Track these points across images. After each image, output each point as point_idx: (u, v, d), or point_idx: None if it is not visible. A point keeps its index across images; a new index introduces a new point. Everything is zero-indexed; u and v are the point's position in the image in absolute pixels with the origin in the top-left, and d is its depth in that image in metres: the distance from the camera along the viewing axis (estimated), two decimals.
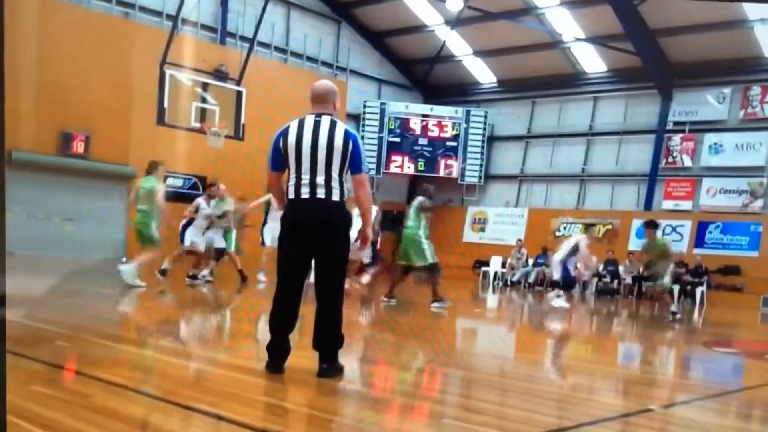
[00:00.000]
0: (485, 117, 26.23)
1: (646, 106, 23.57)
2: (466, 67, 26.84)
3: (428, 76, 27.20)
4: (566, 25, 23.01)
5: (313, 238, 5.03)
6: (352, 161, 5.04)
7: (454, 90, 27.45)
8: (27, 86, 17.12)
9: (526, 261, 22.79)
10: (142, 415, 3.86)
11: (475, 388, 5.64)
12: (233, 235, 13.63)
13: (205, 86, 16.73)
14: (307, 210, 5.00)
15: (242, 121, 16.81)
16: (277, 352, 5.06)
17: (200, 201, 12.90)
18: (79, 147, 18.68)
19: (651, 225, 13.77)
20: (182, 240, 12.64)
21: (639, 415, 4.69)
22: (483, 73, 26.88)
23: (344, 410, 4.51)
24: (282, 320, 5.11)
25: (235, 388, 4.64)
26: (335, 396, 4.77)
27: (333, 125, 5.03)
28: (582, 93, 24.92)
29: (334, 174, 4.98)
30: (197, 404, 4.05)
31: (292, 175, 5.04)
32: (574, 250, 14.49)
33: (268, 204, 14.00)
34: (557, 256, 14.83)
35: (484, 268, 24.04)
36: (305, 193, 4.98)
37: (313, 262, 5.18)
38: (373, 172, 25.80)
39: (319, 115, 5.07)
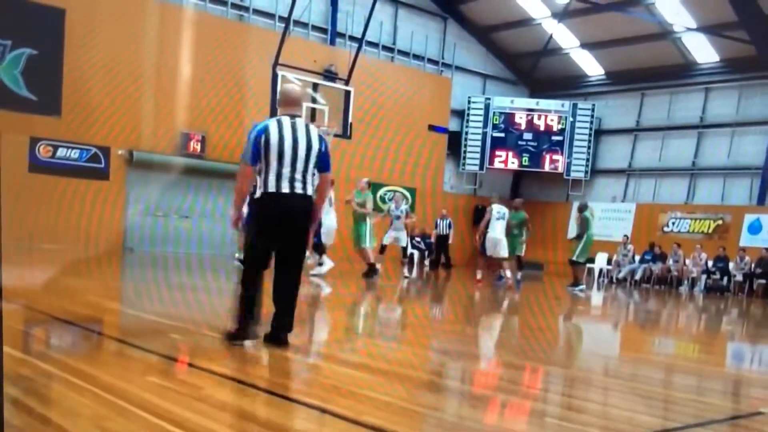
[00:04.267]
0: (592, 110, 25.80)
1: (761, 97, 22.63)
2: (573, 59, 26.42)
3: (534, 70, 26.74)
4: (677, 14, 22.30)
5: (288, 227, 5.58)
6: (323, 161, 5.67)
7: (561, 83, 27.09)
8: (147, 89, 18.00)
9: (633, 257, 22.35)
10: (249, 408, 4.03)
11: (577, 386, 5.63)
12: (367, 228, 14.13)
13: (315, 86, 16.89)
14: (287, 202, 5.53)
15: (350, 120, 17.08)
16: (250, 328, 5.63)
17: None
18: (195, 147, 19.26)
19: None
20: None
21: (749, 418, 4.58)
22: (590, 66, 26.41)
23: (445, 406, 4.55)
24: (254, 303, 5.63)
25: (339, 382, 4.78)
26: (437, 392, 4.83)
27: (308, 128, 5.64)
28: (693, 84, 24.13)
29: (310, 171, 5.58)
30: (303, 397, 4.26)
31: (272, 171, 5.49)
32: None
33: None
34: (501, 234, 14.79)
35: (588, 265, 23.61)
36: (285, 187, 5.50)
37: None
38: (476, 168, 25.87)
39: (293, 117, 5.62)
